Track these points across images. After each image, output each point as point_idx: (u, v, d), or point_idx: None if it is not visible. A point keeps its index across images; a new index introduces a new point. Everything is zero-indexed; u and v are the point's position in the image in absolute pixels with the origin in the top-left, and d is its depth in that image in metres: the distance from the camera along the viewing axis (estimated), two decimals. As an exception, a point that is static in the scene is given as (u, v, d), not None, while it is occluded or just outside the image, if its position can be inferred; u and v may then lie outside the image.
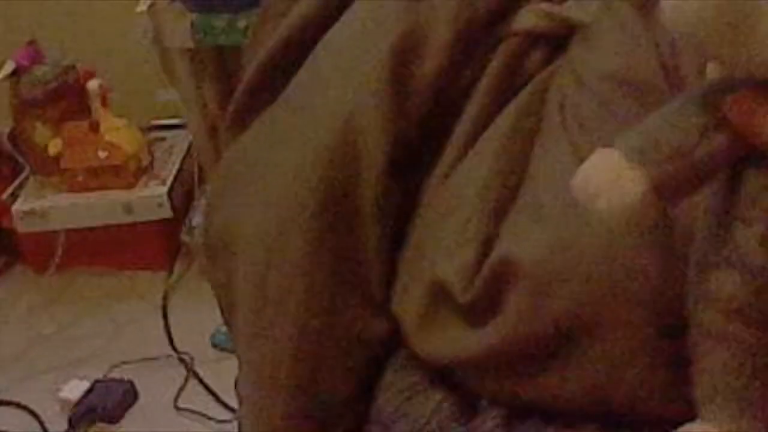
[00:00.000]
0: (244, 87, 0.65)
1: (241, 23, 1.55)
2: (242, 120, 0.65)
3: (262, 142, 0.62)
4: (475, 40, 0.57)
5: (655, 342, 0.48)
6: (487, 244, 0.53)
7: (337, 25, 0.61)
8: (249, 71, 0.65)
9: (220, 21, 1.56)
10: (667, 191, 0.36)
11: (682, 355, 0.41)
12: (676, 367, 0.42)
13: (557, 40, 0.58)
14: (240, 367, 0.65)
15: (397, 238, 0.59)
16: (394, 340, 0.59)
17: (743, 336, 0.38)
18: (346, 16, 0.61)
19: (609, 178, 0.36)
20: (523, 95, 0.57)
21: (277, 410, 0.59)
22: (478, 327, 0.53)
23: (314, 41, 0.62)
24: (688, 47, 0.48)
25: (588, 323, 0.49)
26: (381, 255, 0.58)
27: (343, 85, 0.58)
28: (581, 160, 0.50)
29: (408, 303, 0.56)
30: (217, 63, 1.75)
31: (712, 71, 0.38)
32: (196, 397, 1.56)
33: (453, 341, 0.54)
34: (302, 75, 0.61)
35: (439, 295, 0.54)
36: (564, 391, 0.51)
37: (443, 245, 0.55)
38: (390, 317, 0.59)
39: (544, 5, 0.58)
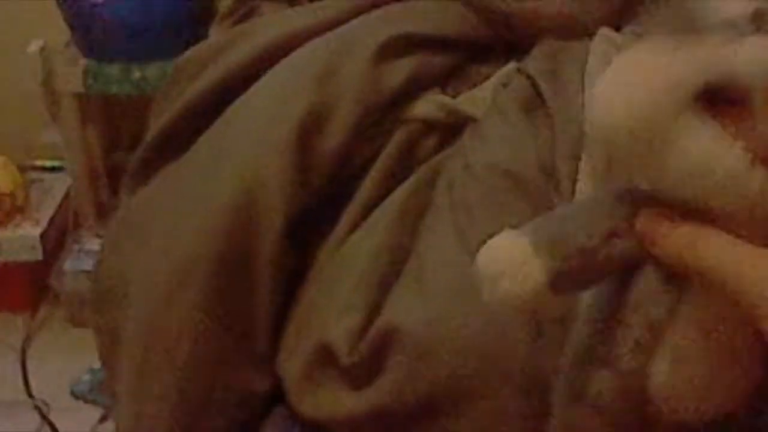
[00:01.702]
0: (152, 138, 0.67)
1: (135, 74, 1.55)
2: (147, 170, 0.67)
3: (166, 196, 0.64)
4: (376, 122, 0.62)
5: (518, 414, 0.51)
6: (373, 311, 0.56)
7: (249, 92, 0.64)
8: (158, 124, 0.67)
9: (113, 69, 1.56)
10: (564, 285, 0.38)
11: (543, 428, 0.44)
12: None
13: (451, 129, 0.63)
14: (118, 417, 0.66)
15: (287, 298, 0.61)
16: (274, 396, 0.61)
17: None
18: (258, 85, 0.64)
19: (515, 262, 0.37)
20: (416, 177, 0.61)
21: None
22: (357, 390, 0.56)
23: (226, 103, 0.65)
24: (566, 152, 0.52)
25: (460, 392, 0.53)
26: (271, 314, 0.60)
27: (250, 151, 0.61)
28: (464, 241, 0.55)
29: (293, 361, 0.59)
30: (105, 110, 1.75)
31: (586, 180, 0.41)
32: (49, 447, 1.51)
33: (333, 401, 0.57)
34: (211, 135, 0.64)
35: (324, 356, 0.57)
36: None
37: (332, 309, 0.58)
38: (272, 374, 0.61)
39: (440, 97, 0.63)
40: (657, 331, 0.38)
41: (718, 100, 0.34)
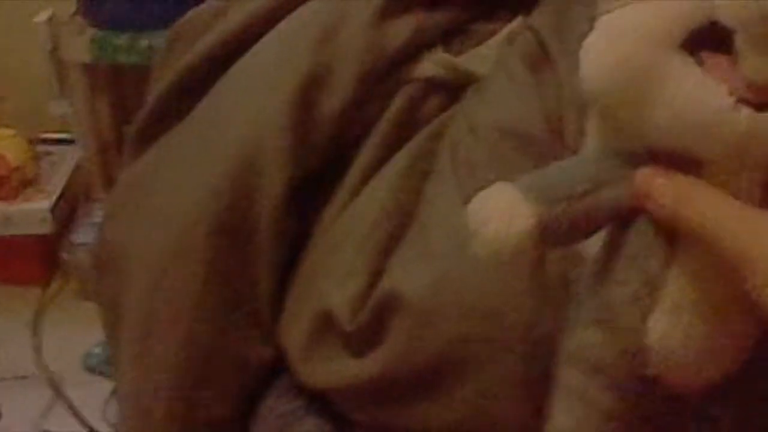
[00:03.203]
0: (150, 106, 0.66)
1: (143, 43, 1.54)
2: (145, 138, 0.66)
3: (165, 162, 0.63)
4: (379, 82, 0.60)
5: (521, 379, 0.50)
6: (375, 277, 0.55)
7: (247, 57, 0.63)
8: (156, 91, 0.66)
9: (120, 39, 1.55)
10: (552, 233, 0.38)
11: (546, 393, 0.43)
12: (540, 404, 0.44)
13: (454, 88, 0.61)
14: (120, 386, 0.65)
15: (289, 264, 0.60)
16: (278, 365, 0.60)
17: (600, 399, 0.40)
18: (256, 49, 0.63)
19: (502, 208, 0.38)
20: (419, 138, 0.60)
21: (155, 424, 0.59)
22: (360, 357, 0.55)
23: (224, 68, 0.63)
24: (573, 108, 0.51)
25: (464, 357, 0.51)
26: (272, 281, 0.59)
27: (250, 115, 0.59)
28: (468, 202, 0.54)
29: (295, 329, 0.58)
30: (114, 80, 1.73)
31: (592, 136, 0.41)
32: (62, 420, 1.51)
33: (335, 369, 0.56)
34: (210, 100, 0.63)
35: (326, 323, 0.56)
36: (436, 422, 0.54)
37: (333, 275, 0.57)
38: (275, 343, 0.60)
39: (444, 55, 0.62)
40: (653, 285, 0.38)
41: (702, 46, 0.35)
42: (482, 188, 0.39)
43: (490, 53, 0.61)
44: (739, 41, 0.34)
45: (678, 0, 0.35)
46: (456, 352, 0.51)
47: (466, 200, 0.40)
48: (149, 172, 0.65)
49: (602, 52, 0.36)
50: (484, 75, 0.60)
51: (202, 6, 0.71)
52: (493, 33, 0.62)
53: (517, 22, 0.62)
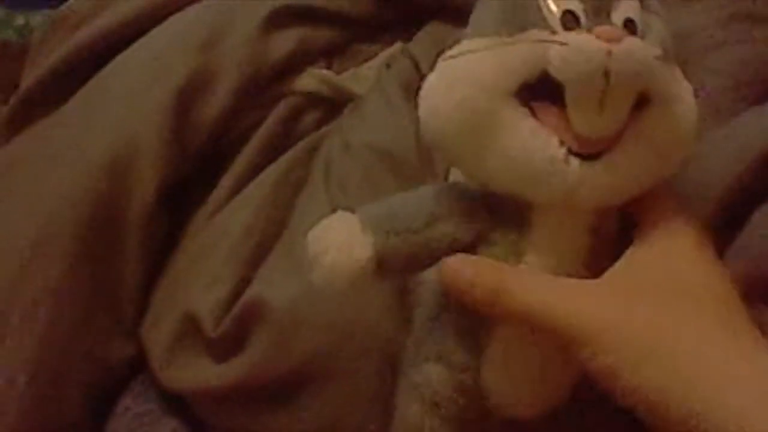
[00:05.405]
0: (26, 90, 0.64)
1: (19, 21, 1.49)
2: (18, 123, 0.64)
3: (36, 150, 0.62)
4: (259, 91, 0.61)
5: (376, 394, 0.51)
6: (241, 285, 0.56)
7: (130, 51, 0.62)
8: (33, 75, 0.64)
9: (-5, 13, 1.49)
10: (389, 264, 0.39)
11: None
12: (391, 420, 0.46)
13: (333, 104, 0.63)
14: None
15: (156, 264, 0.60)
16: (137, 365, 0.60)
17: None
18: (140, 44, 0.62)
19: (341, 237, 0.38)
20: (295, 150, 0.61)
21: (9, 421, 0.58)
22: (222, 362, 0.55)
23: (104, 60, 0.63)
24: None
25: (323, 368, 0.52)
26: (139, 280, 0.59)
27: (128, 110, 0.59)
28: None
29: (158, 330, 0.58)
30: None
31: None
32: None
33: (196, 373, 0.56)
34: (87, 92, 0.62)
35: (190, 327, 0.56)
36: (294, 429, 0.55)
37: (200, 280, 0.57)
38: (137, 342, 0.60)
39: (324, 71, 0.63)
40: (487, 325, 0.39)
41: (538, 95, 0.36)
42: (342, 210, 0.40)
43: (369, 74, 0.62)
44: (568, 95, 0.35)
45: (513, 50, 0.36)
46: (316, 363, 0.52)
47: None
48: (19, 158, 0.63)
49: (440, 96, 0.37)
50: (362, 95, 0.62)
51: None
52: (373, 55, 0.64)
53: (396, 47, 0.64)
